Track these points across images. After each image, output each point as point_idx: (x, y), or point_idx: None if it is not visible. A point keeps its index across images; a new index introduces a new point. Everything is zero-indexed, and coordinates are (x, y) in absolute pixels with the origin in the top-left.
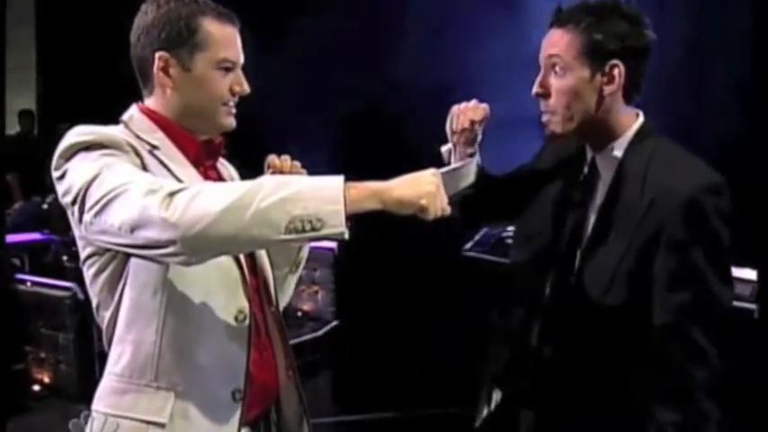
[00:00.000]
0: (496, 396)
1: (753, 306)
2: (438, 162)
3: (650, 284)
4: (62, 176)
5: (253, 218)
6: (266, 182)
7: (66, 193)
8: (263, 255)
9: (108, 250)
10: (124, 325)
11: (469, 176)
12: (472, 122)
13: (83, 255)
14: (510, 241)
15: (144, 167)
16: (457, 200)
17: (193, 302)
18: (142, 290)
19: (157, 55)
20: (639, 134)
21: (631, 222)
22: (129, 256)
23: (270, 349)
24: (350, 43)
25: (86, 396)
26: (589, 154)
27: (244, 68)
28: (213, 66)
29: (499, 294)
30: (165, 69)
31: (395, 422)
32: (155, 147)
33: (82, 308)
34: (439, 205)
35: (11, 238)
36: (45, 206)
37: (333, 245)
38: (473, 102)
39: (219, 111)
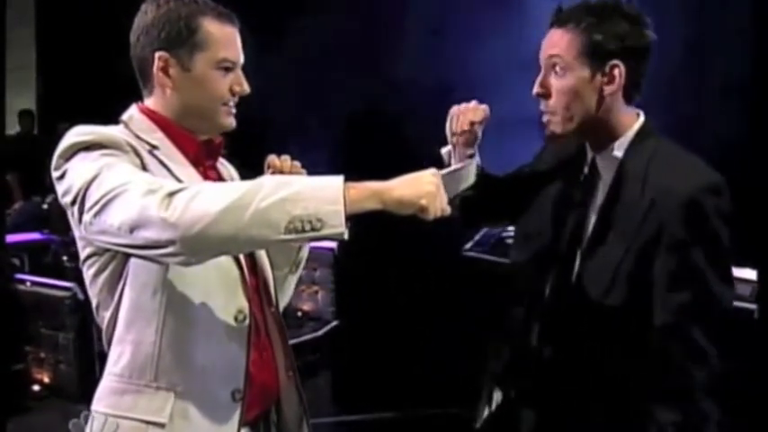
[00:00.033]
0: (497, 396)
1: (753, 306)
2: (438, 163)
3: (651, 284)
4: (62, 176)
5: (252, 218)
6: (266, 182)
7: (65, 194)
8: (262, 255)
9: (107, 250)
10: (124, 325)
11: (469, 178)
12: (472, 124)
13: (82, 255)
14: (510, 241)
15: (144, 167)
16: (457, 200)
17: (193, 303)
18: (142, 290)
19: (157, 55)
20: (640, 134)
21: (632, 223)
22: (128, 256)
23: (270, 349)
24: (350, 43)
25: (86, 396)
26: (589, 154)
27: (244, 68)
28: (213, 66)
29: (499, 294)
30: (164, 69)
31: (395, 422)
32: (154, 147)
33: (82, 308)
34: (439, 205)
35: (11, 238)
36: (45, 206)
37: (333, 245)
38: (473, 103)
39: (219, 111)
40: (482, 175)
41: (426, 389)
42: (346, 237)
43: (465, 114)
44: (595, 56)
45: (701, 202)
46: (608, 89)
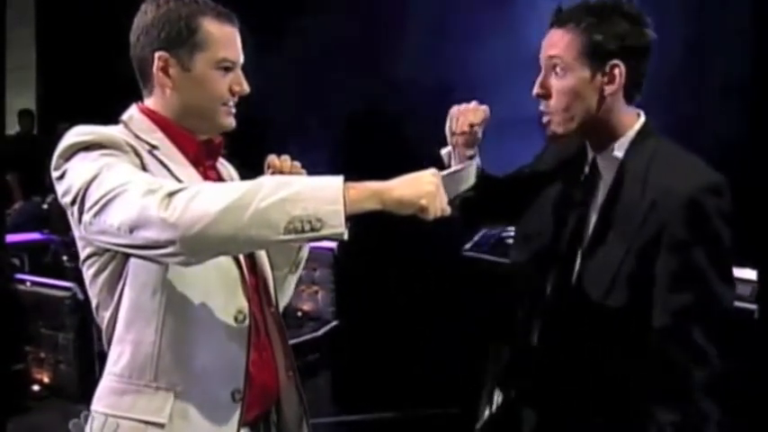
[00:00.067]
0: (497, 397)
1: (753, 306)
2: (438, 163)
3: (651, 285)
4: (62, 176)
5: (252, 218)
6: (266, 182)
7: (65, 194)
8: (262, 255)
9: (107, 250)
10: (123, 325)
11: (470, 179)
12: (471, 125)
13: (82, 255)
14: (510, 241)
15: (143, 167)
16: (457, 201)
17: (193, 303)
18: (141, 290)
19: (157, 55)
20: (641, 134)
21: (632, 223)
22: (128, 256)
23: (270, 349)
24: (350, 43)
25: (86, 396)
26: (590, 154)
27: (244, 68)
28: (213, 65)
29: (499, 294)
30: (164, 69)
31: (395, 422)
32: (154, 147)
33: (82, 308)
34: (439, 205)
35: (11, 237)
36: (45, 206)
37: (333, 245)
38: (473, 103)
39: (219, 111)
40: (482, 175)
41: (426, 389)
42: (346, 237)
43: (465, 115)
44: (595, 56)
45: (701, 202)
46: (608, 89)
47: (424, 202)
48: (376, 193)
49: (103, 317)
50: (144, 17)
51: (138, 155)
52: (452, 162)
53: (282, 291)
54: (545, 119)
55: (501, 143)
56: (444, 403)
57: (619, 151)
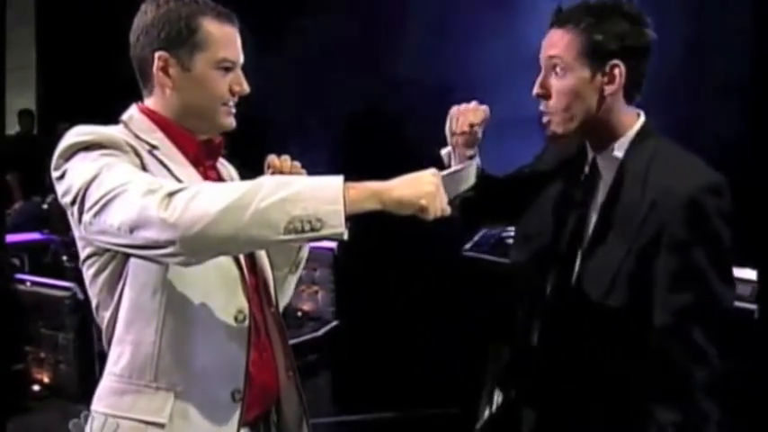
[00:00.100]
0: (498, 397)
1: (753, 306)
2: (438, 163)
3: (651, 285)
4: (61, 176)
5: (252, 218)
6: (266, 182)
7: (65, 194)
8: (262, 255)
9: (107, 250)
10: (124, 325)
11: (470, 179)
12: (471, 125)
13: (82, 255)
14: (510, 241)
15: (143, 167)
16: (457, 201)
17: (193, 303)
18: (141, 290)
19: (157, 55)
20: (641, 134)
21: (632, 223)
22: (128, 256)
23: (270, 349)
24: (350, 43)
25: (86, 396)
26: (590, 154)
27: (244, 68)
28: (213, 65)
29: (499, 294)
30: (164, 69)
31: (395, 422)
32: (154, 147)
33: (82, 308)
34: (438, 205)
35: (11, 237)
36: (45, 206)
37: (333, 245)
38: (473, 103)
39: (219, 111)
40: (482, 176)
41: (426, 389)
42: (346, 237)
43: (465, 115)
44: (595, 56)
45: (701, 202)
46: (608, 89)
47: (423, 202)
48: (376, 193)
49: (103, 317)
50: (144, 17)
51: (138, 155)
52: (452, 162)
53: (282, 291)
54: (545, 119)
55: (501, 143)
56: (444, 403)
57: (619, 151)
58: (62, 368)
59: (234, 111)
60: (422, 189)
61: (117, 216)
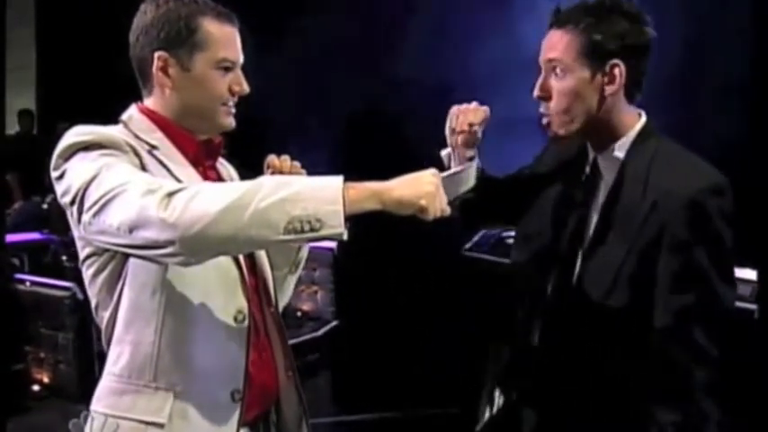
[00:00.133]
0: (498, 398)
1: (753, 306)
2: (438, 163)
3: (652, 285)
4: (61, 176)
5: (252, 218)
6: (265, 182)
7: (64, 194)
8: (262, 255)
9: (107, 250)
10: (123, 325)
11: (470, 180)
12: (471, 125)
13: (82, 255)
14: (510, 241)
15: (143, 167)
16: (457, 202)
17: (192, 303)
18: (141, 290)
19: (156, 55)
20: (642, 134)
21: (633, 224)
22: (127, 256)
23: (269, 350)
24: (350, 43)
25: (86, 396)
26: (591, 154)
27: (244, 68)
28: (212, 65)
29: (499, 294)
30: (164, 69)
31: (395, 422)
32: (154, 147)
33: (81, 308)
34: (438, 206)
35: (10, 237)
36: (45, 206)
37: (332, 245)
38: (473, 104)
39: (219, 111)
40: (482, 177)
41: (426, 389)
42: (345, 237)
43: (465, 115)
44: (595, 56)
45: (703, 203)
46: (609, 89)
47: (423, 202)
48: (376, 193)
49: (103, 317)
50: (143, 17)
51: (137, 155)
52: (452, 163)
53: (282, 291)
54: (545, 120)
55: (501, 143)
56: (444, 403)
57: (620, 151)
58: (62, 368)
59: (234, 111)
60: (422, 189)
61: (116, 216)
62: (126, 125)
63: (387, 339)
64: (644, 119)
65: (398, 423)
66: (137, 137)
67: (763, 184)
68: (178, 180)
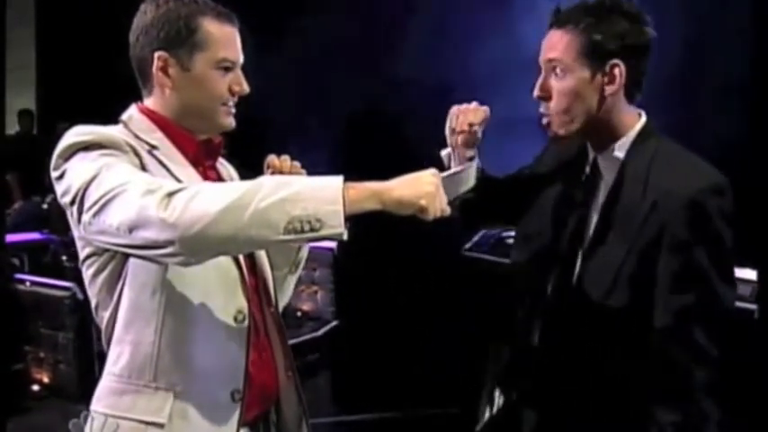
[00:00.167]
0: (498, 398)
1: (753, 306)
2: (438, 163)
3: (652, 285)
4: (61, 176)
5: (251, 218)
6: (265, 182)
7: (64, 194)
8: (262, 255)
9: (107, 250)
10: (123, 325)
11: (470, 181)
12: (470, 125)
13: (82, 255)
14: (510, 241)
15: (143, 167)
16: (457, 202)
17: (192, 303)
18: (141, 290)
19: (156, 55)
20: (642, 134)
21: (633, 224)
22: (127, 256)
23: (269, 350)
24: (350, 43)
25: (86, 396)
26: (591, 154)
27: (244, 68)
28: (212, 65)
29: (499, 294)
30: (164, 69)
31: (395, 422)
32: (154, 147)
33: (81, 308)
34: (438, 206)
35: (10, 237)
36: (45, 206)
37: (332, 245)
38: (473, 104)
39: (219, 111)
40: (482, 177)
41: (426, 389)
42: (345, 237)
43: (465, 114)
44: (595, 56)
45: (703, 203)
46: (609, 89)
47: (423, 202)
48: (376, 193)
49: (103, 317)
50: (143, 17)
51: (137, 155)
52: (452, 164)
53: (282, 291)
54: (545, 120)
55: (501, 143)
56: (444, 403)
57: (620, 151)
58: (62, 368)
59: (234, 111)
60: (422, 189)
61: (116, 216)
62: (126, 125)
63: (387, 339)
64: (644, 119)
65: (398, 423)
66: (137, 137)
67: (763, 184)
68: (178, 180)
